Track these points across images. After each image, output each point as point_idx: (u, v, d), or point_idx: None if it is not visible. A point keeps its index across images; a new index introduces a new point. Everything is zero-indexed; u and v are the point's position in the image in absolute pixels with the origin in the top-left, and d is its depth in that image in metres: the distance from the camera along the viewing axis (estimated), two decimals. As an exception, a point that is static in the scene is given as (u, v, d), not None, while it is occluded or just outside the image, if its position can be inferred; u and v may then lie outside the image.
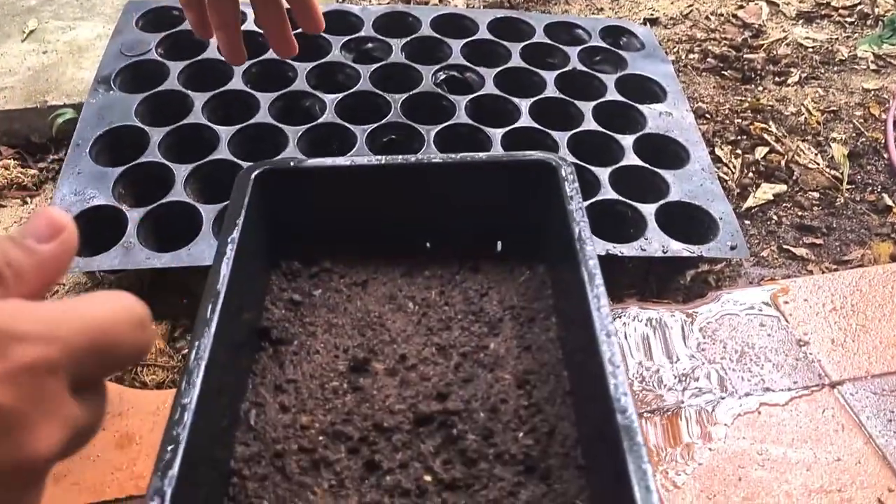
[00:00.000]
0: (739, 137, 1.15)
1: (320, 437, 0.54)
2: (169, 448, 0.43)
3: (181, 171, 0.92)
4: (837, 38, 1.36)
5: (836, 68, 1.29)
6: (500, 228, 0.68)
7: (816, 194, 1.06)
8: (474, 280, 0.65)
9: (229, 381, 0.54)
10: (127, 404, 0.74)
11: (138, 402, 0.74)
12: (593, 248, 0.56)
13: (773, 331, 0.83)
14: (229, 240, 0.56)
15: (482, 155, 0.65)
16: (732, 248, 0.88)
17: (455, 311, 0.62)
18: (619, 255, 0.84)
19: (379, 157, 0.64)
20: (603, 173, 0.95)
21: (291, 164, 0.64)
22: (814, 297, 0.87)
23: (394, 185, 0.65)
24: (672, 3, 1.48)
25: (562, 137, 0.99)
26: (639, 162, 0.97)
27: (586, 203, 0.90)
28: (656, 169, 0.97)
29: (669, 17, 1.43)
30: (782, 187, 1.07)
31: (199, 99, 1.02)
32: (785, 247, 0.98)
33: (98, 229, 0.87)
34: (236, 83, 1.05)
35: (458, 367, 0.58)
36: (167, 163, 0.93)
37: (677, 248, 0.87)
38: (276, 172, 0.63)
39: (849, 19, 1.41)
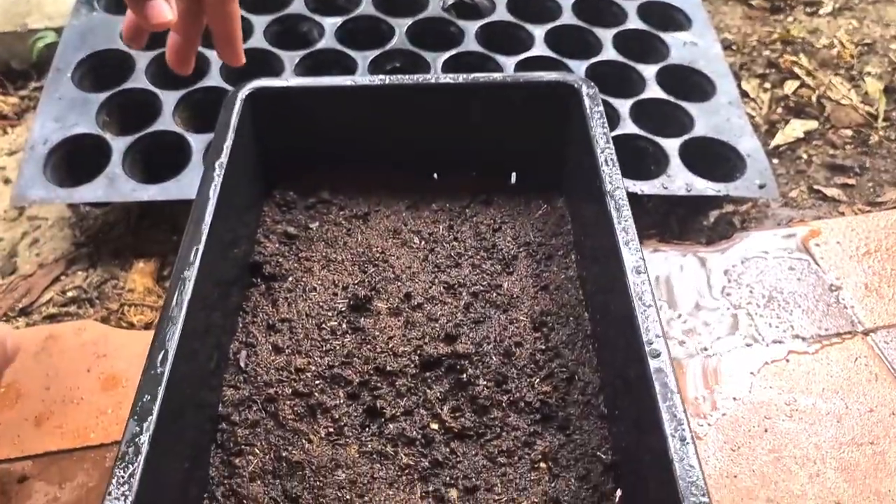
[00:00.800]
0: (768, 71, 1.08)
1: (317, 381, 0.50)
2: (147, 391, 0.39)
3: (169, 98, 0.85)
4: (874, -33, 1.27)
5: (871, -2, 1.21)
6: (514, 158, 0.62)
7: (849, 132, 0.99)
8: (486, 214, 0.60)
9: (217, 319, 0.49)
10: (112, 345, 0.69)
11: (124, 344, 0.69)
12: (620, 177, 0.51)
13: (803, 275, 0.77)
14: (216, 164, 0.51)
15: (496, 75, 0.59)
16: (761, 186, 0.82)
17: (465, 247, 0.57)
18: (640, 192, 0.79)
19: (382, 76, 0.58)
20: (623, 105, 0.88)
21: (284, 83, 0.58)
22: (846, 240, 0.81)
23: (398, 108, 0.59)
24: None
25: (578, 66, 0.92)
26: (662, 94, 0.90)
27: None
28: (680, 102, 0.90)
29: (694, -57, 1.34)
30: (813, 124, 1.00)
31: None
32: (815, 187, 0.92)
33: (81, 159, 0.81)
34: None
35: (468, 307, 0.53)
36: (154, 89, 0.87)
37: (702, 187, 0.81)
38: (268, 93, 0.57)
39: (886, -53, 1.31)
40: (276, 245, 0.57)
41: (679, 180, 0.81)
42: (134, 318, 0.73)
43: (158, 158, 0.82)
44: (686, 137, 0.86)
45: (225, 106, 0.55)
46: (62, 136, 0.82)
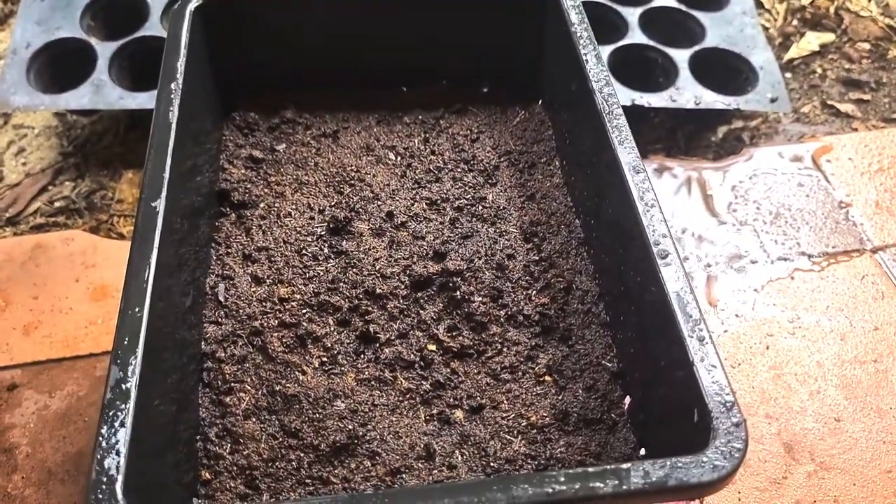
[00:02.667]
0: (785, -20, 1.02)
1: (304, 310, 0.47)
2: (125, 333, 0.37)
3: (157, 1, 0.81)
4: None
5: None
6: (486, 64, 0.58)
7: (867, 45, 0.95)
8: (462, 124, 0.57)
9: (188, 253, 0.46)
10: (101, 255, 0.67)
11: (113, 254, 0.68)
12: (608, 74, 0.48)
13: (812, 191, 0.75)
14: (171, 86, 0.47)
15: None
16: (773, 100, 0.78)
17: (444, 159, 0.54)
18: (647, 105, 0.75)
19: None
20: (632, 14, 0.84)
21: None
22: (858, 157, 0.78)
23: (362, 15, 0.55)
24: None
25: None
26: (673, 3, 0.86)
27: (611, 47, 0.80)
28: (692, 11, 0.86)
29: None
30: (829, 36, 0.96)
31: None
32: (829, 102, 0.88)
33: (65, 65, 0.78)
34: None
35: (454, 222, 0.51)
36: None
37: (711, 100, 0.77)
38: (219, 3, 0.53)
39: None
40: (243, 170, 0.53)
41: (688, 93, 0.77)
42: (124, 228, 0.71)
43: (147, 66, 0.78)
44: (697, 48, 0.82)
45: (172, 20, 0.51)
46: (45, 41, 0.78)
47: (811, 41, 0.95)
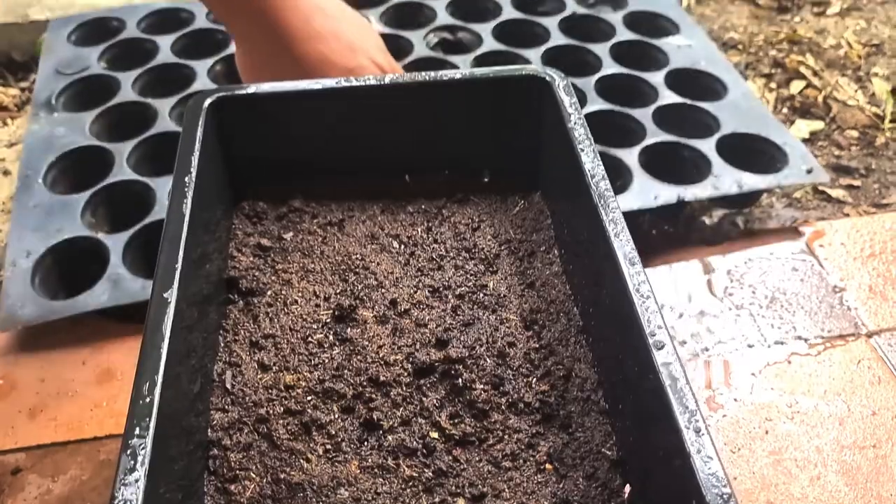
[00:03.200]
0: (774, 70, 1.07)
1: (309, 397, 0.48)
2: (137, 422, 0.37)
3: (160, 185, 0.79)
4: (882, -33, 1.26)
5: (879, -1, 1.20)
6: (488, 155, 0.61)
7: (855, 133, 0.99)
8: (463, 213, 0.59)
9: (197, 340, 0.47)
10: (109, 337, 0.69)
11: (119, 336, 0.69)
12: (602, 167, 0.50)
13: (806, 276, 0.76)
14: (186, 180, 0.50)
15: (465, 71, 0.58)
16: (808, 171, 0.81)
17: (446, 248, 0.56)
18: (693, 198, 0.77)
19: (348, 77, 0.57)
20: (644, 116, 0.86)
21: (249, 89, 0.56)
22: (851, 242, 0.80)
23: (366, 109, 0.58)
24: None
25: (587, 84, 0.91)
26: (678, 99, 0.89)
27: (638, 148, 0.82)
28: (700, 104, 0.89)
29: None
30: (819, 124, 0.99)
31: (163, 105, 0.90)
32: (820, 188, 0.91)
33: (73, 265, 0.75)
34: (201, 84, 0.93)
35: (455, 309, 0.52)
36: (144, 179, 0.81)
37: (752, 182, 0.80)
38: (233, 100, 0.55)
39: (895, -53, 1.30)
40: (251, 258, 0.55)
41: (727, 179, 0.80)
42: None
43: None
44: (719, 135, 0.85)
45: (188, 115, 0.54)
46: (47, 245, 0.74)
47: (801, 128, 0.99)
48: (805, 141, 0.97)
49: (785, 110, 1.02)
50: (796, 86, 1.04)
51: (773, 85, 1.04)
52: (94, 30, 1.04)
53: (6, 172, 0.95)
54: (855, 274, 0.77)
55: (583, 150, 0.51)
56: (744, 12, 1.18)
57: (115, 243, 0.74)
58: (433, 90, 0.57)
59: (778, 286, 0.75)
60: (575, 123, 0.53)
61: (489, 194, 0.60)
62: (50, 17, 1.05)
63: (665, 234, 0.82)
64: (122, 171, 0.82)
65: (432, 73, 0.58)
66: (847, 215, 0.88)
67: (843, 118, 1.00)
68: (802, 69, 1.06)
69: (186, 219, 0.47)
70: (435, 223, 0.58)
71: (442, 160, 0.61)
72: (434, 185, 0.60)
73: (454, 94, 0.58)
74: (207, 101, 0.55)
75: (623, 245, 0.44)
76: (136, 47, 1.00)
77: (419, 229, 0.57)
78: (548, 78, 0.56)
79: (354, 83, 0.56)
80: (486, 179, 0.62)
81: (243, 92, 0.56)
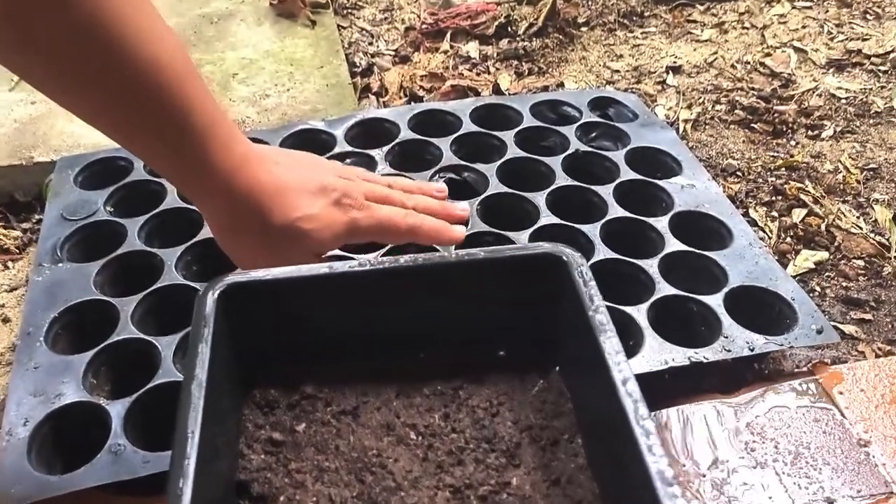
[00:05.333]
0: (774, 198, 1.07)
1: None
2: None
3: (165, 345, 0.77)
4: (871, 89, 1.29)
5: (871, 121, 1.22)
6: (503, 333, 0.60)
7: (861, 262, 0.98)
8: (480, 395, 0.57)
9: None
10: (106, 520, 0.65)
11: (119, 519, 0.65)
12: (621, 349, 0.48)
13: (829, 427, 0.74)
14: (195, 375, 0.48)
15: (476, 252, 0.57)
16: (818, 332, 0.79)
17: (465, 438, 0.53)
18: (704, 360, 0.76)
19: (360, 260, 0.56)
20: (650, 266, 0.86)
21: (258, 276, 0.55)
22: (870, 387, 0.78)
23: (378, 292, 0.57)
24: (695, 49, 1.42)
25: (592, 231, 0.90)
26: (683, 246, 0.89)
27: (644, 305, 0.81)
28: (706, 252, 0.88)
29: (693, 65, 1.37)
30: (824, 255, 0.99)
31: (169, 256, 0.88)
32: (832, 323, 0.89)
33: (70, 433, 0.72)
34: (207, 232, 0.90)
35: (479, 515, 0.49)
36: (148, 338, 0.77)
37: (762, 343, 0.78)
38: (241, 288, 0.54)
39: (882, 68, 1.34)
40: (262, 456, 0.52)
41: (739, 340, 0.78)
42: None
43: (164, 414, 0.72)
44: (726, 290, 0.83)
45: (197, 307, 0.52)
46: (46, 412, 0.71)
47: (807, 259, 0.98)
48: (811, 272, 0.97)
49: (788, 239, 1.01)
50: (798, 214, 1.04)
51: (774, 214, 1.05)
52: (100, 171, 1.04)
53: (6, 320, 0.93)
54: (878, 424, 0.74)
55: (599, 330, 0.50)
56: (739, 137, 1.19)
57: (117, 409, 0.71)
58: (447, 272, 0.56)
59: (800, 439, 0.73)
60: (590, 301, 0.52)
61: (506, 372, 0.58)
62: (54, 159, 1.05)
63: (675, 377, 0.80)
64: (127, 329, 0.79)
65: (445, 255, 0.57)
66: (862, 353, 0.86)
67: (848, 247, 1.00)
68: (803, 196, 1.07)
69: (199, 420, 0.45)
70: (452, 408, 0.56)
71: (456, 336, 0.59)
72: (449, 362, 0.59)
73: (470, 273, 0.57)
74: (216, 291, 0.53)
75: (657, 461, 0.42)
76: (142, 190, 1.00)
77: (436, 416, 0.55)
78: (563, 257, 0.55)
79: (367, 268, 0.55)
80: (501, 353, 0.60)
81: (252, 279, 0.55)
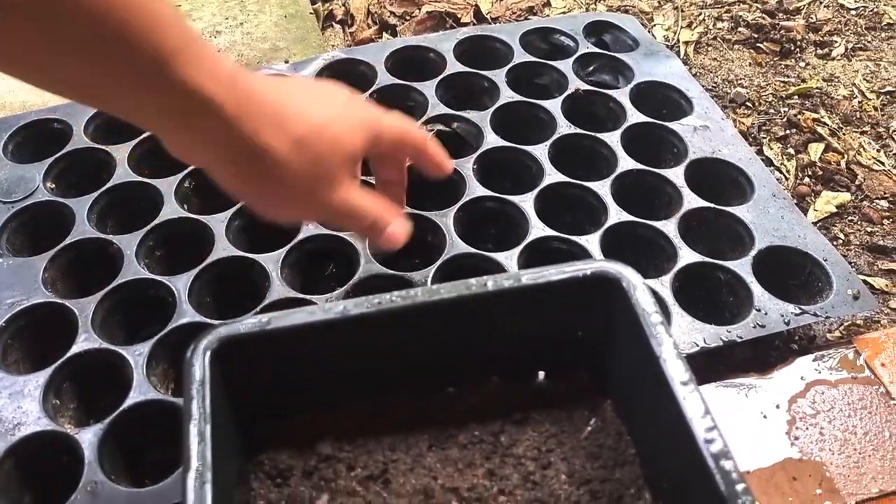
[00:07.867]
0: (789, 131, 0.99)
1: None
2: None
3: (136, 355, 0.66)
4: (881, -2, 1.18)
5: (884, 34, 1.13)
6: (542, 357, 0.51)
7: (885, 202, 0.91)
8: (525, 440, 0.48)
9: None
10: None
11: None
12: (691, 376, 0.41)
13: (874, 407, 0.69)
14: (195, 467, 0.39)
15: (515, 278, 0.47)
16: (855, 297, 0.73)
17: (516, 501, 0.46)
18: (738, 339, 0.69)
19: (373, 298, 0.46)
20: (667, 226, 0.77)
21: (255, 326, 0.45)
22: (912, 355, 0.73)
23: (395, 331, 0.47)
24: (690, -43, 1.28)
25: (602, 187, 0.80)
26: (701, 202, 0.80)
27: (668, 276, 0.73)
28: (730, 209, 0.80)
29: (688, -25, 1.24)
30: (845, 196, 0.92)
31: (127, 243, 0.76)
32: (861, 277, 0.83)
33: (41, 462, 0.63)
34: (171, 211, 0.78)
35: None
36: (112, 347, 0.68)
37: (797, 316, 0.71)
38: (237, 342, 0.44)
39: (890, -29, 1.23)
40: None
41: (772, 313, 0.71)
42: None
43: (139, 444, 0.65)
44: (754, 253, 0.75)
45: (186, 367, 0.42)
46: (3, 448, 0.62)
47: (828, 201, 0.91)
48: (833, 216, 0.90)
49: (807, 179, 0.94)
50: (815, 149, 0.96)
51: (790, 151, 0.96)
52: (33, 136, 0.89)
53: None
54: (925, 399, 0.69)
55: (665, 358, 0.42)
56: (745, 59, 1.09)
57: (89, 439, 0.61)
58: (474, 305, 0.47)
59: (846, 424, 0.68)
60: (650, 323, 0.44)
61: (551, 408, 0.50)
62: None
63: (707, 355, 0.73)
64: (88, 335, 0.69)
65: (472, 283, 0.47)
66: (894, 310, 0.81)
67: (871, 186, 0.93)
68: (818, 128, 0.98)
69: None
70: (496, 461, 0.48)
71: (489, 366, 0.51)
72: (483, 397, 0.50)
73: (509, 302, 0.48)
74: (211, 348, 0.44)
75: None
76: (87, 160, 0.86)
77: (479, 473, 0.47)
78: (617, 276, 0.47)
79: (379, 307, 0.46)
80: (539, 379, 0.52)
81: (250, 331, 0.45)
